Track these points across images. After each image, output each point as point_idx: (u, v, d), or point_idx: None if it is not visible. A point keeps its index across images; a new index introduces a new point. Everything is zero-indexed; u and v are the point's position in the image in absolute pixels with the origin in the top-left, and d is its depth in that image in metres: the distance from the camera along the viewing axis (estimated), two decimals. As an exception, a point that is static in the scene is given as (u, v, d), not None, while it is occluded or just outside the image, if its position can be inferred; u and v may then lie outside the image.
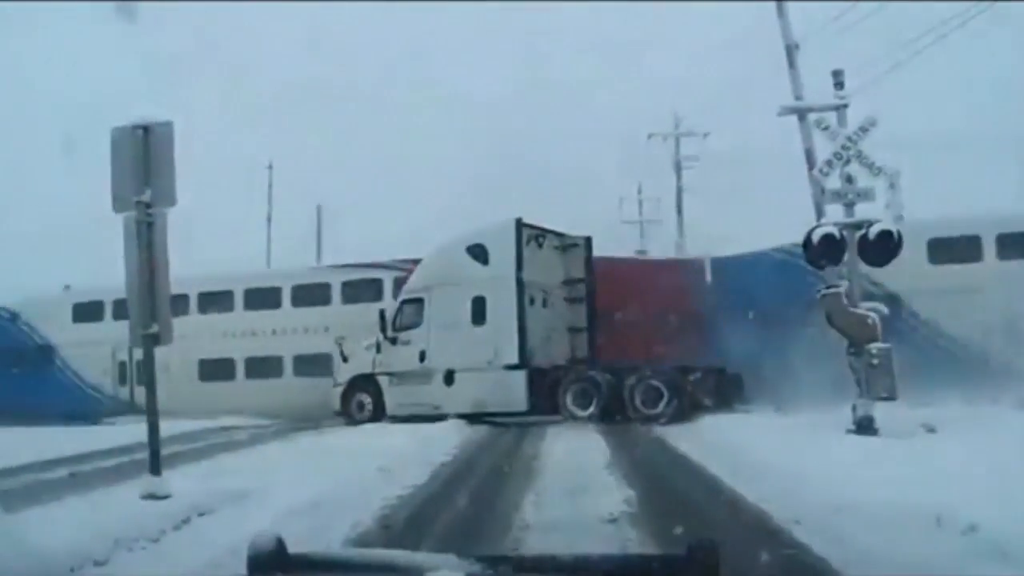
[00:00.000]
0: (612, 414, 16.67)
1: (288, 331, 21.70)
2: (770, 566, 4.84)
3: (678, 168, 33.67)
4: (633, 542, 5.86)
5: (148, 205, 6.62)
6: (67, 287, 24.50)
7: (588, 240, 20.05)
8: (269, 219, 34.75)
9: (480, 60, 57.09)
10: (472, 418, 16.50)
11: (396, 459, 10.00)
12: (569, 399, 17.02)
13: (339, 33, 51.43)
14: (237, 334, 22.15)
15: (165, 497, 6.35)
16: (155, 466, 6.62)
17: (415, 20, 57.36)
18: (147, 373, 6.78)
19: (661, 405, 16.43)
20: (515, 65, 57.57)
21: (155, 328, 6.61)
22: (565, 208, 27.51)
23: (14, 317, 24.20)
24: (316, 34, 51.00)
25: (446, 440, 13.14)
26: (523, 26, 53.68)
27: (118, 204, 6.73)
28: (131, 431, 13.97)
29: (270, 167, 34.85)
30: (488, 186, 44.22)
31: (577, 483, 8.53)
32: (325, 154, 48.13)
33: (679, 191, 33.72)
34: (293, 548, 1.58)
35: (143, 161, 6.60)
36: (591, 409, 16.77)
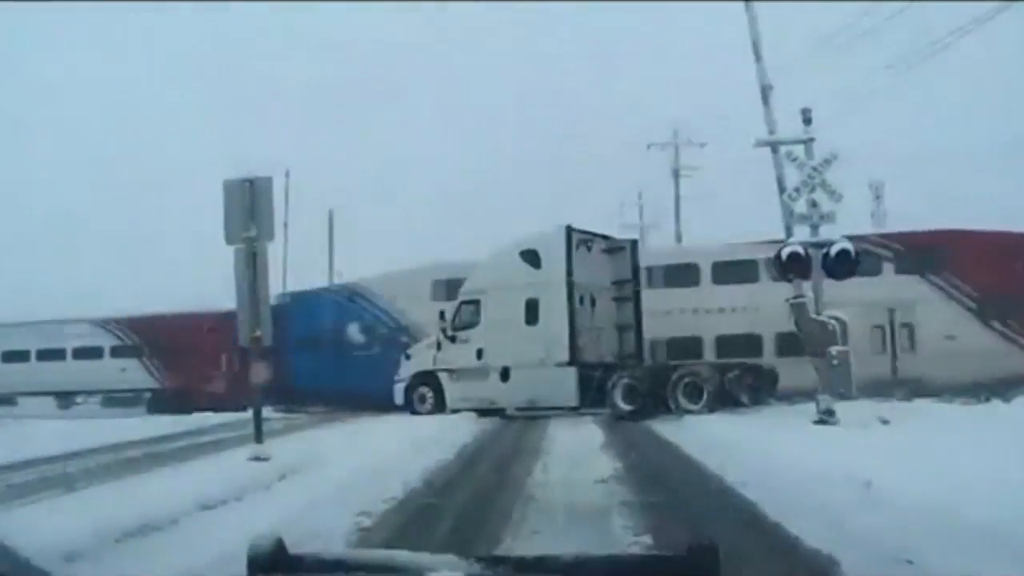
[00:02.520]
0: (657, 409, 17.43)
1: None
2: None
3: (676, 176, 35.07)
4: (617, 494, 7.63)
5: (253, 240, 8.67)
6: None
7: (634, 243, 21.63)
8: (285, 225, 35.46)
9: (483, 65, 58.84)
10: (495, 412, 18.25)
11: (425, 441, 11.97)
12: (617, 395, 17.94)
13: (341, 38, 53.77)
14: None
15: (267, 459, 8.41)
16: (259, 436, 8.74)
17: (418, 26, 59.35)
18: (255, 369, 8.92)
19: (702, 400, 17.24)
20: (520, 70, 59.11)
21: (259, 332, 8.70)
22: (568, 212, 29.13)
23: None
24: (319, 38, 53.23)
25: (464, 427, 15.12)
26: (529, 31, 55.00)
27: (230, 238, 8.81)
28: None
29: (287, 175, 34.01)
30: (491, 190, 45.85)
31: (576, 458, 10.41)
32: (325, 157, 49.98)
33: (677, 198, 35.16)
34: (294, 548, 1.61)
35: (249, 206, 8.65)
36: (637, 404, 17.61)
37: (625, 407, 17.84)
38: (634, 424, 15.86)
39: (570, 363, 18.60)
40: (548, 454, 11.10)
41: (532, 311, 19.05)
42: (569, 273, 18.90)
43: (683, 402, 17.46)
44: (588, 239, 19.97)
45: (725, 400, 17.48)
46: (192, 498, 6.51)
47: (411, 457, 9.87)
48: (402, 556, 1.64)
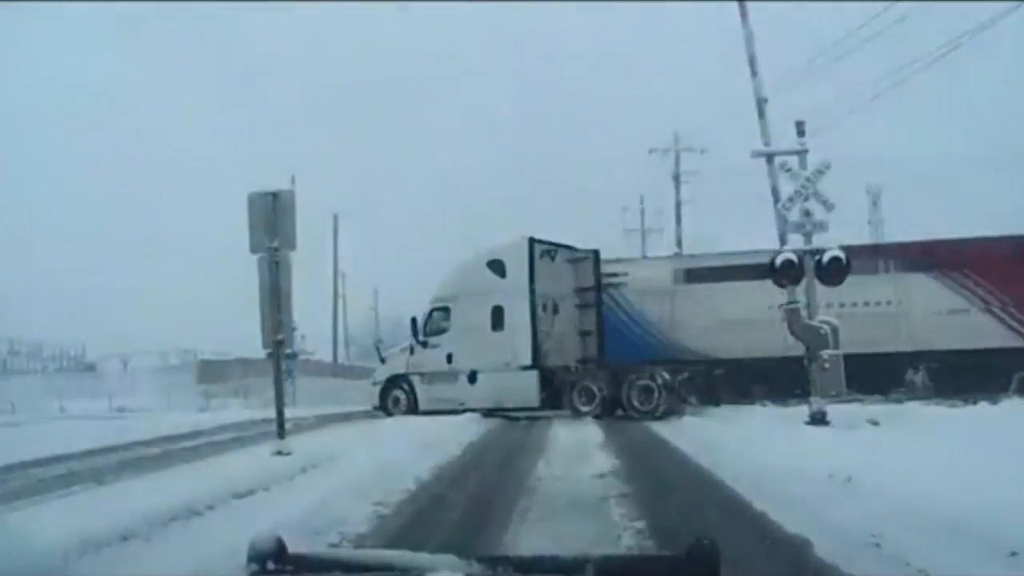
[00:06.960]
0: (613, 410, 18.74)
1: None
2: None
3: (677, 181, 36.40)
4: (614, 487, 8.44)
5: (276, 249, 9.29)
6: None
7: (596, 252, 22.59)
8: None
9: (488, 71, 59.53)
10: (489, 411, 18.93)
11: (433, 439, 12.60)
12: (575, 396, 19.18)
13: (345, 47, 54.05)
14: None
15: (288, 454, 9.06)
16: (281, 433, 9.38)
17: (419, 31, 59.81)
18: (276, 369, 9.53)
19: (654, 402, 18.37)
20: (525, 76, 59.95)
21: (281, 336, 9.34)
22: (570, 216, 29.96)
23: None
24: (321, 45, 53.29)
25: (469, 427, 15.85)
26: (533, 36, 55.93)
27: (254, 248, 9.40)
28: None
29: (293, 180, 36.27)
30: (495, 193, 46.43)
31: (577, 455, 11.18)
32: (327, 161, 50.01)
33: (678, 203, 36.41)
34: (294, 548, 1.62)
35: (272, 217, 9.27)
36: (594, 405, 18.90)
37: (583, 408, 18.98)
38: (634, 425, 16.70)
39: (532, 367, 19.64)
40: (550, 450, 11.83)
41: (498, 318, 20.02)
42: (532, 282, 19.95)
43: (636, 404, 18.58)
44: (551, 249, 21.06)
45: (675, 402, 18.54)
46: (227, 487, 7.20)
47: (421, 453, 10.50)
48: (402, 556, 1.63)
